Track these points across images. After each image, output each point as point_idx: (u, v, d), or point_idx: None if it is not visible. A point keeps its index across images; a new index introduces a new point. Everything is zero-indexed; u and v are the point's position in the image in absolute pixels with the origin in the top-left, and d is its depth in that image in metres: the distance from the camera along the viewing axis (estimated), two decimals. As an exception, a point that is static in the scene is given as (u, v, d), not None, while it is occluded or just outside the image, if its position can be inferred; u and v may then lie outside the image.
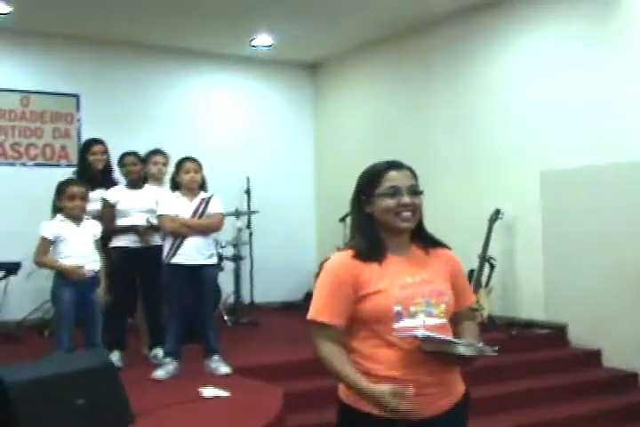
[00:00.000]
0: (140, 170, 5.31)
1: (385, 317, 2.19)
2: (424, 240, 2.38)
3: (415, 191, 2.30)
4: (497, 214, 6.30)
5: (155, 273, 4.97)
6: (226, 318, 6.80)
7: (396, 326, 2.19)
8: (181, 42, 7.66)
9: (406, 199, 2.26)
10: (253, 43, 7.72)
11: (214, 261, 4.90)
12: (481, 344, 2.19)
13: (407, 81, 7.51)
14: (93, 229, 4.47)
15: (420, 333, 2.14)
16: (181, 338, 4.77)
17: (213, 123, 8.27)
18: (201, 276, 4.77)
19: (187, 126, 7.99)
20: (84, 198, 4.36)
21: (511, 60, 6.49)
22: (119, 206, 5.18)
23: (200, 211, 4.82)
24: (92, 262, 4.37)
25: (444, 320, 2.27)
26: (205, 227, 4.82)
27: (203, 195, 4.88)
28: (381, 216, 2.27)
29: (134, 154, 5.37)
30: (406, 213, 2.26)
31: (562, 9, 6.03)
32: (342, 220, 7.31)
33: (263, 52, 8.00)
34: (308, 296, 8.04)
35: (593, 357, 5.71)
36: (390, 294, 2.20)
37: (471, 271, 6.20)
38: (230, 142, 8.25)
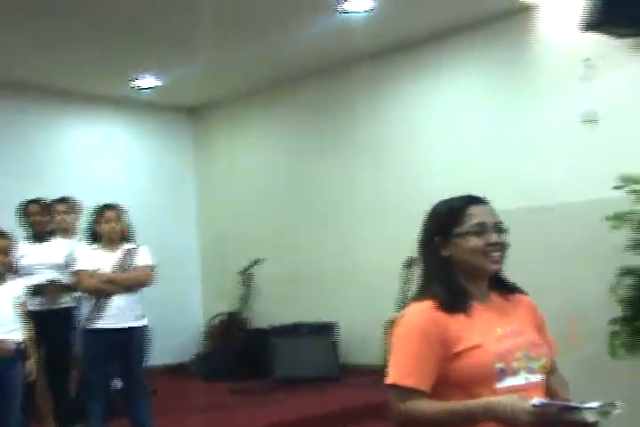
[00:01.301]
0: (47, 221, 4.68)
1: (485, 376, 1.87)
2: (503, 285, 2.09)
3: (502, 229, 2.02)
4: (412, 262, 6.19)
5: (64, 341, 4.34)
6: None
7: (499, 386, 1.87)
8: (62, 82, 7.10)
9: (495, 238, 1.98)
10: (136, 84, 7.28)
11: (145, 322, 4.33)
12: (603, 403, 1.87)
13: (305, 126, 7.38)
14: (14, 289, 3.78)
15: (538, 401, 1.81)
16: (106, 418, 4.16)
17: (91, 170, 7.62)
18: (130, 341, 4.20)
19: (65, 174, 7.30)
20: (6, 253, 3.69)
21: (413, 104, 6.54)
22: (21, 263, 4.50)
23: (125, 264, 4.26)
24: (11, 332, 3.67)
25: (543, 377, 1.98)
26: (133, 281, 4.27)
27: (127, 246, 4.34)
28: (465, 258, 1.97)
29: (38, 202, 4.74)
30: (496, 254, 1.98)
31: (476, 55, 6.16)
32: (244, 272, 6.98)
33: (146, 94, 7.55)
34: (198, 358, 7.57)
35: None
36: (488, 348, 1.89)
37: (390, 321, 6.04)
38: (108, 190, 7.61)
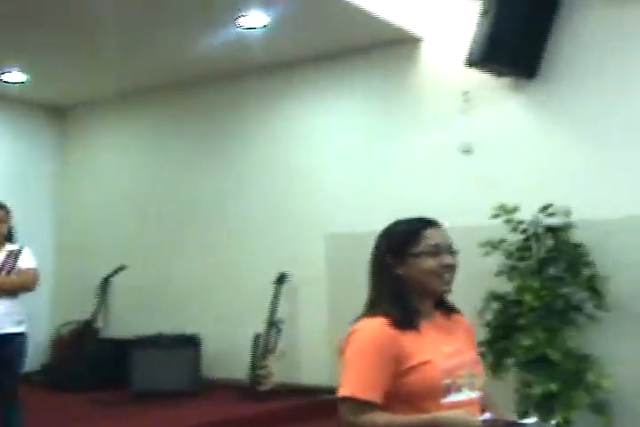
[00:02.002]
0: None
1: (434, 391, 1.95)
2: (444, 305, 2.19)
3: (453, 251, 2.12)
4: (283, 278, 6.24)
5: None
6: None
7: (444, 401, 1.95)
8: None
9: (449, 259, 2.07)
10: (1, 78, 6.82)
11: (23, 328, 4.05)
12: (538, 420, 2.01)
13: (181, 136, 7.22)
14: None
15: (487, 416, 1.92)
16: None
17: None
18: (7, 348, 3.93)
19: None
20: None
21: (291, 122, 6.57)
22: None
23: (7, 266, 3.99)
24: None
25: (480, 393, 2.08)
26: (16, 285, 4.02)
27: (9, 247, 4.07)
28: (419, 278, 2.05)
29: None
30: (448, 275, 2.07)
31: (362, 79, 6.24)
32: (105, 280, 6.71)
33: (11, 89, 7.09)
34: (45, 368, 7.16)
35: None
36: (437, 365, 1.97)
37: (257, 336, 6.03)
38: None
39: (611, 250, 4.86)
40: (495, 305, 4.90)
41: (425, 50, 5.96)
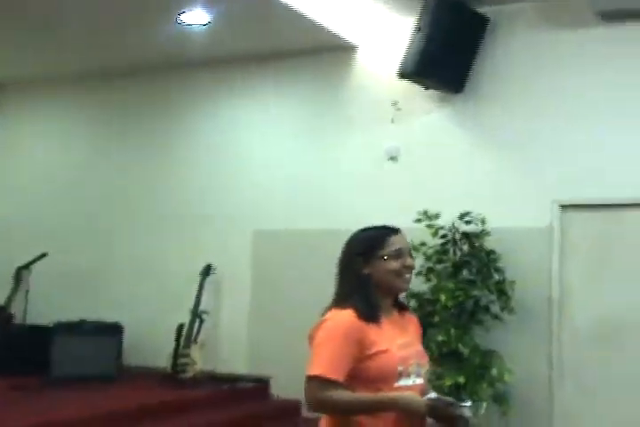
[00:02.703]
0: None
1: (389, 376, 2.27)
2: (399, 303, 2.51)
3: (412, 254, 2.46)
4: (208, 270, 6.43)
5: None
6: None
7: (396, 385, 2.27)
8: None
9: (410, 261, 2.40)
10: None
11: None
12: (472, 403, 2.35)
13: (107, 127, 7.30)
14: None
15: (433, 395, 2.26)
16: None
17: None
18: None
19: None
20: None
21: (223, 117, 6.77)
22: None
23: None
24: None
25: (422, 381, 2.40)
26: None
27: None
28: (383, 277, 2.36)
29: None
30: (408, 275, 2.40)
31: (294, 82, 6.51)
32: (25, 266, 6.72)
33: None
34: None
35: (293, 407, 6.09)
36: (393, 353, 2.29)
37: (181, 326, 6.20)
38: None
39: (517, 257, 5.31)
40: (412, 302, 5.25)
41: (359, 58, 6.27)
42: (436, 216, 5.29)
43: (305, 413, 5.95)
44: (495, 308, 5.17)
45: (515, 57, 5.64)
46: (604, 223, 5.27)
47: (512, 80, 5.64)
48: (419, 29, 5.58)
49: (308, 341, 2.35)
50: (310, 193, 6.31)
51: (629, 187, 5.16)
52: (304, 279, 6.17)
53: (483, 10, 5.61)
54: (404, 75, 5.67)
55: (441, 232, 5.28)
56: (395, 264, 2.35)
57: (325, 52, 6.29)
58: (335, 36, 6.05)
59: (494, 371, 4.91)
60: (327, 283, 6.41)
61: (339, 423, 2.29)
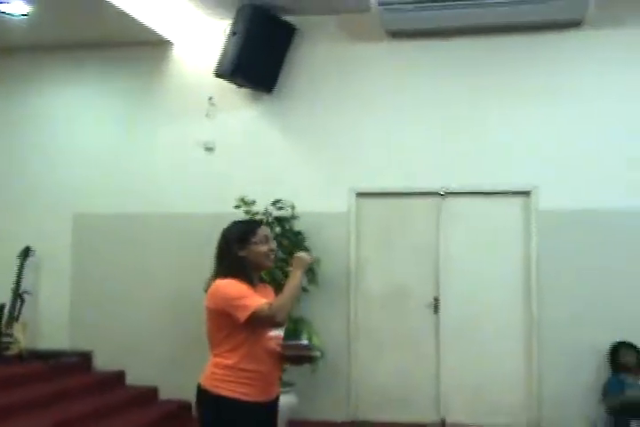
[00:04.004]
0: None
1: (267, 327, 3.03)
2: (261, 279, 3.25)
3: (274, 241, 3.25)
4: (27, 252, 6.64)
5: None
6: None
7: (268, 334, 3.05)
8: None
9: (273, 246, 3.18)
10: None
11: None
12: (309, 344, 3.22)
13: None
14: None
15: (305, 342, 3.08)
16: None
17: None
18: None
19: None
20: None
21: (44, 103, 6.96)
22: None
23: None
24: None
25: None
26: None
27: None
28: (255, 258, 3.10)
29: None
30: (273, 256, 3.17)
31: (115, 73, 6.86)
32: None
33: None
34: None
35: (116, 378, 6.56)
36: None
37: (1, 306, 6.39)
38: None
39: (322, 237, 6.20)
40: (234, 280, 5.93)
41: (176, 54, 6.77)
42: (253, 203, 6.02)
43: (128, 381, 6.49)
44: (302, 281, 6.00)
45: (319, 63, 6.48)
46: (392, 209, 6.32)
47: (317, 83, 6.48)
48: (234, 33, 6.21)
49: (208, 302, 3.03)
50: (129, 179, 6.75)
51: (412, 178, 6.24)
52: (123, 260, 6.65)
53: (292, 19, 6.36)
54: (219, 74, 6.28)
55: (257, 217, 6.01)
56: (263, 248, 3.12)
57: (145, 47, 6.71)
58: (152, 32, 6.47)
59: (305, 335, 5.76)
60: (145, 263, 7.12)
61: (231, 361, 2.98)
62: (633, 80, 5.97)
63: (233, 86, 6.48)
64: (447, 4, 5.74)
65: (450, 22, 6.02)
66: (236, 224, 3.23)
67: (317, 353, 3.14)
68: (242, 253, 3.08)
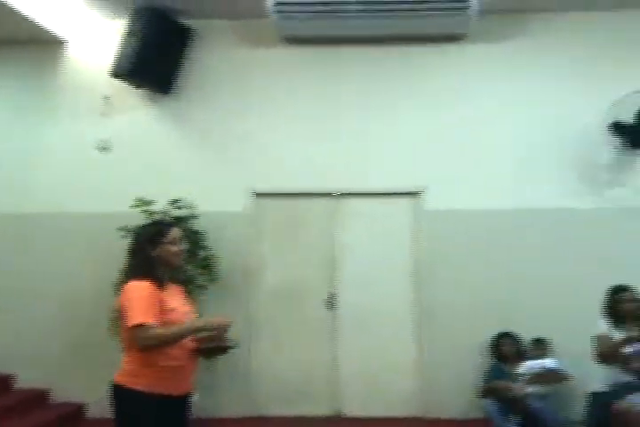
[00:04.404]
0: None
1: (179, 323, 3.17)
2: (172, 278, 3.42)
3: (183, 241, 3.41)
4: None
5: None
6: None
7: None
8: None
9: (183, 247, 3.38)
10: None
11: None
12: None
13: None
14: None
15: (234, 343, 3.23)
16: None
17: None
18: None
19: None
20: None
21: None
22: None
23: None
24: None
25: None
26: None
27: None
28: (166, 258, 3.27)
29: None
30: (183, 255, 3.36)
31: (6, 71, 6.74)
32: None
33: None
34: None
35: (5, 382, 6.38)
36: (179, 311, 3.25)
37: None
38: None
39: (221, 236, 6.31)
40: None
41: (71, 53, 6.72)
42: (151, 202, 6.06)
43: (19, 385, 6.35)
44: (200, 279, 6.09)
45: (216, 65, 6.62)
46: (289, 209, 6.53)
47: (215, 85, 6.61)
48: (130, 34, 6.24)
49: (120, 300, 3.18)
50: (22, 179, 6.62)
51: (308, 179, 6.47)
52: (14, 261, 6.51)
53: (189, 22, 6.47)
54: (116, 75, 6.30)
55: (156, 216, 6.05)
56: (174, 248, 3.31)
57: (38, 45, 6.63)
58: (45, 30, 6.41)
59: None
60: (37, 264, 6.92)
61: (143, 359, 3.11)
62: (514, 88, 6.46)
63: (129, 86, 6.50)
64: (340, 14, 6.02)
65: (343, 31, 6.31)
66: (149, 225, 3.46)
67: (232, 343, 3.30)
68: (154, 253, 3.26)
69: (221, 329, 3.24)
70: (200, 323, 3.23)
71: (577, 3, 6.33)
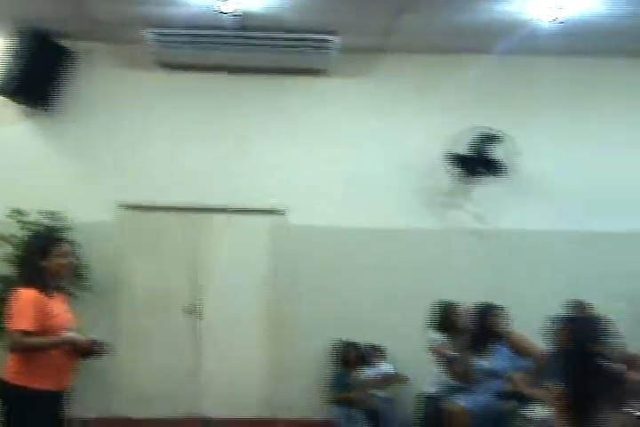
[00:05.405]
0: None
1: (60, 330, 3.60)
2: (58, 287, 3.83)
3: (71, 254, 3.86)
4: None
5: None
6: None
7: (62, 332, 3.61)
8: None
9: (70, 260, 3.79)
10: None
11: None
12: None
13: None
14: None
15: (95, 338, 3.68)
16: None
17: None
18: None
19: None
20: None
21: None
22: None
23: None
24: None
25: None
26: None
27: None
28: (55, 268, 3.66)
29: None
30: (70, 268, 3.80)
31: None
32: None
33: None
34: None
35: None
36: (62, 317, 3.67)
37: None
38: None
39: (92, 246, 6.57)
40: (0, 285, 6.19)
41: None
42: (25, 213, 6.36)
43: None
44: (73, 287, 6.36)
45: (95, 86, 7.04)
46: (156, 221, 7.02)
47: (91, 104, 7.04)
48: (14, 53, 6.52)
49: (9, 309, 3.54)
50: None
51: (174, 195, 6.96)
52: None
53: (72, 44, 6.84)
54: (1, 91, 6.58)
55: (29, 227, 6.33)
56: (62, 260, 3.69)
57: None
58: None
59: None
60: None
61: (27, 357, 3.50)
62: (372, 121, 7.15)
63: (11, 102, 6.78)
64: (214, 45, 6.56)
65: (217, 61, 6.86)
66: (40, 237, 3.91)
67: (106, 348, 3.71)
68: (43, 264, 3.61)
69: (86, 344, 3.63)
70: (69, 339, 3.56)
71: (431, 46, 6.97)
